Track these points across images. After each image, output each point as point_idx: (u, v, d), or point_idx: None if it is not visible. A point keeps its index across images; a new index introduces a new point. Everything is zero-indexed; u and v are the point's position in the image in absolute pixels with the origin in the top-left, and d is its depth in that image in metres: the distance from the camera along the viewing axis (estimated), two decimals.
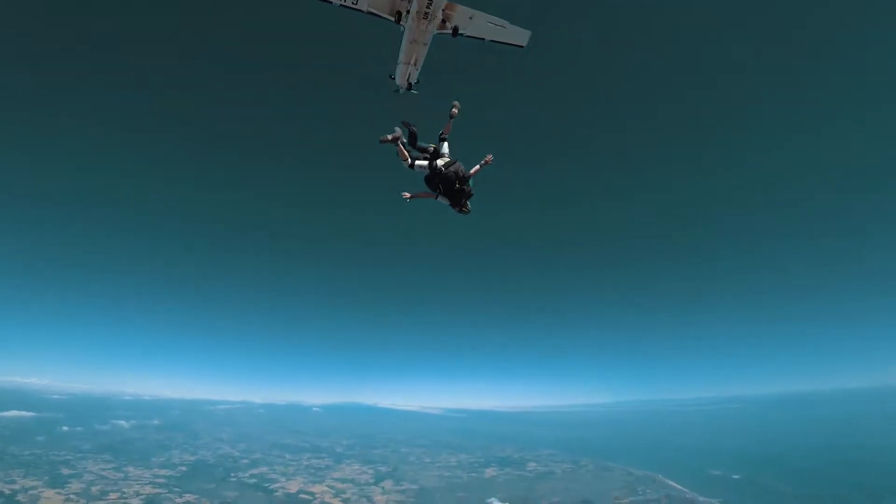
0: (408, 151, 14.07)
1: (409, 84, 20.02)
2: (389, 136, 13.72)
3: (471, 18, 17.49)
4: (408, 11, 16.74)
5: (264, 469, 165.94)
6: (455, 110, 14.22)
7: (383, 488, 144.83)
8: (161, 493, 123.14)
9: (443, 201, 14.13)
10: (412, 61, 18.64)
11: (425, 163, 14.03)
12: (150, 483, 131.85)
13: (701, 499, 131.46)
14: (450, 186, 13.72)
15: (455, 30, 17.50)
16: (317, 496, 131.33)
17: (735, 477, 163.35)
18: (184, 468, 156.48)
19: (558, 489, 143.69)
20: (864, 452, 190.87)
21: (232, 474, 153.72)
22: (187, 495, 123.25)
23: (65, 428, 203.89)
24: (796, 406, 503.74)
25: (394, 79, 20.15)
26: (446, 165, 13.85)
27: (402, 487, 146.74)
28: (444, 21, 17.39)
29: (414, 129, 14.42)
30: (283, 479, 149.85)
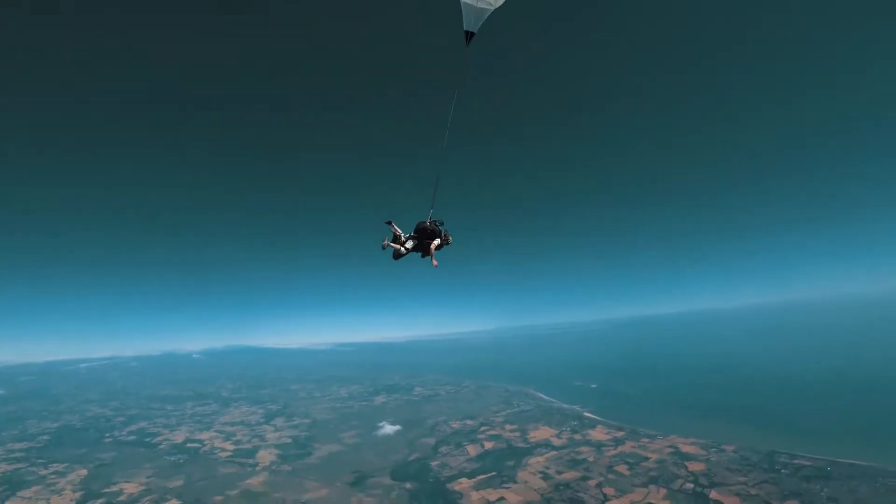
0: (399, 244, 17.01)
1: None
2: (394, 245, 16.42)
3: None
4: None
5: (144, 424, 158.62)
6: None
7: (275, 426, 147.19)
8: (21, 468, 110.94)
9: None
10: None
11: (410, 244, 17.01)
12: (5, 460, 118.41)
13: (565, 406, 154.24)
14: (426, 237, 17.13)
15: None
16: (206, 442, 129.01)
17: (593, 386, 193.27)
18: (46, 437, 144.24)
19: (443, 409, 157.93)
20: (696, 361, 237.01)
21: (106, 435, 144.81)
22: (54, 465, 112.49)
23: None
24: (646, 326, 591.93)
25: None
26: (421, 232, 17.08)
27: (294, 423, 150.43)
28: None
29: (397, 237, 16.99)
30: (167, 431, 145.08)
